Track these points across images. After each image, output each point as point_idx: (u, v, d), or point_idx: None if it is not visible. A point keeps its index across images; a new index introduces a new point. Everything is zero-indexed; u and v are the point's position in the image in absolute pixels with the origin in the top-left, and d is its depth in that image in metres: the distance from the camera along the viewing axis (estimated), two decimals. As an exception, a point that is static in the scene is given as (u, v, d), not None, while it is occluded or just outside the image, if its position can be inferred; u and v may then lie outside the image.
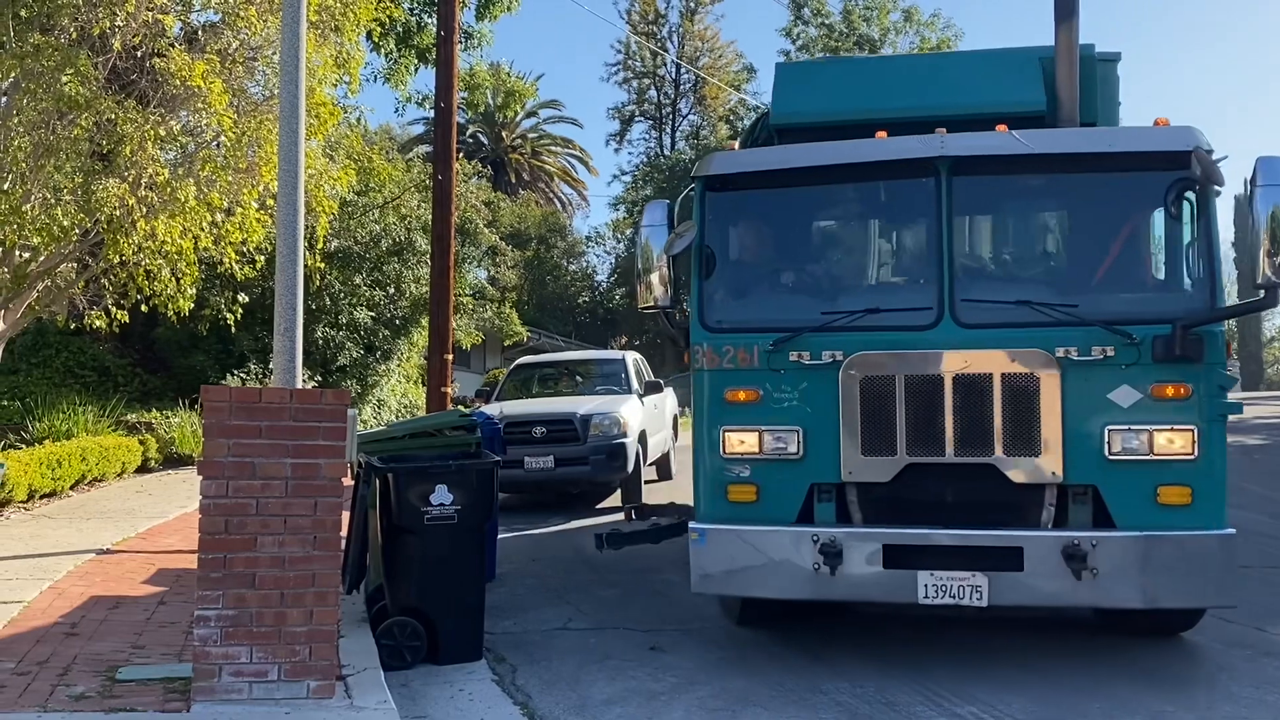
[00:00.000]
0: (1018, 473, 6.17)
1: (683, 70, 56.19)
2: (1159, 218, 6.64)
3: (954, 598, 6.07)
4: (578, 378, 16.96)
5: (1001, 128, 6.52)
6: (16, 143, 12.31)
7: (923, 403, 6.26)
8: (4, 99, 12.80)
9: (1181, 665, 6.76)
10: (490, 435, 8.99)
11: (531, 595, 8.98)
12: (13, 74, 12.47)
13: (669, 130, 58.66)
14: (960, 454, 6.22)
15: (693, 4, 57.03)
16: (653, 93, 59.13)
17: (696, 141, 53.39)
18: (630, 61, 58.38)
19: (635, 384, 15.67)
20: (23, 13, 12.47)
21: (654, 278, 6.93)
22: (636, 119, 59.52)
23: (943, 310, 6.33)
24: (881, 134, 6.72)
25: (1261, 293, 6.00)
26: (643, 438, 14.34)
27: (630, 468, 13.67)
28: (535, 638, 7.66)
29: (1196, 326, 5.99)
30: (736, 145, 8.25)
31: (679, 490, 9.82)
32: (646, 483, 14.48)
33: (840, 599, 6.53)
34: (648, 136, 59.75)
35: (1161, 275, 6.80)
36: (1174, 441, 6.04)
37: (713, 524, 6.60)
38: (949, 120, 6.66)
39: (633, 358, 16.97)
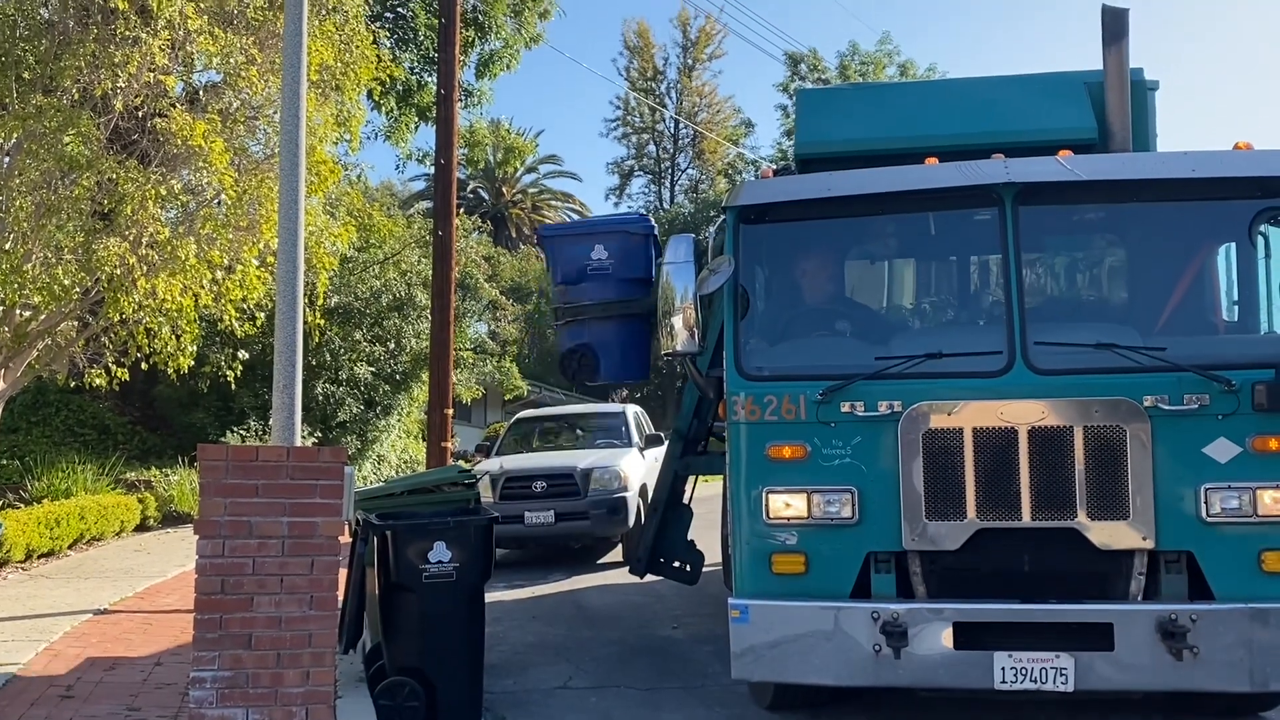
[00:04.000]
0: (1103, 538, 5.55)
1: (681, 125, 56.71)
2: (1252, 250, 6.09)
3: (1035, 681, 5.41)
4: (578, 431, 16.93)
5: (1064, 153, 6.00)
6: (19, 203, 12.38)
7: (995, 459, 5.63)
8: (7, 159, 12.89)
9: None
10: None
11: (532, 653, 8.89)
12: (15, 135, 12.58)
13: (668, 184, 59.09)
14: (1038, 517, 5.59)
15: (690, 61, 57.73)
16: (651, 147, 59.64)
17: (695, 195, 53.75)
18: (629, 117, 58.96)
19: (636, 437, 15.62)
20: (25, 74, 12.61)
21: (677, 321, 6.23)
22: (636, 173, 60.00)
23: (1014, 354, 5.72)
24: (931, 160, 6.15)
25: None
26: (644, 491, 14.24)
27: (631, 522, 13.56)
28: (535, 697, 7.58)
29: None
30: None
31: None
32: (648, 537, 14.36)
33: (905, 685, 5.68)
34: (647, 190, 60.17)
35: (1258, 314, 6.20)
36: None
37: (756, 599, 5.85)
38: (993, 149, 6.15)
39: (633, 411, 16.96)
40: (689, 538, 9.02)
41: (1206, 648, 5.32)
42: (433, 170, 18.58)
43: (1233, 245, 6.24)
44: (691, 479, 8.95)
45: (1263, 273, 6.07)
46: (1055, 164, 5.94)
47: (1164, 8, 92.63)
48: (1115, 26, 6.60)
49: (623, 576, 12.78)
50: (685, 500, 9.00)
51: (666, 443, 16.96)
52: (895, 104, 7.46)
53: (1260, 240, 6.00)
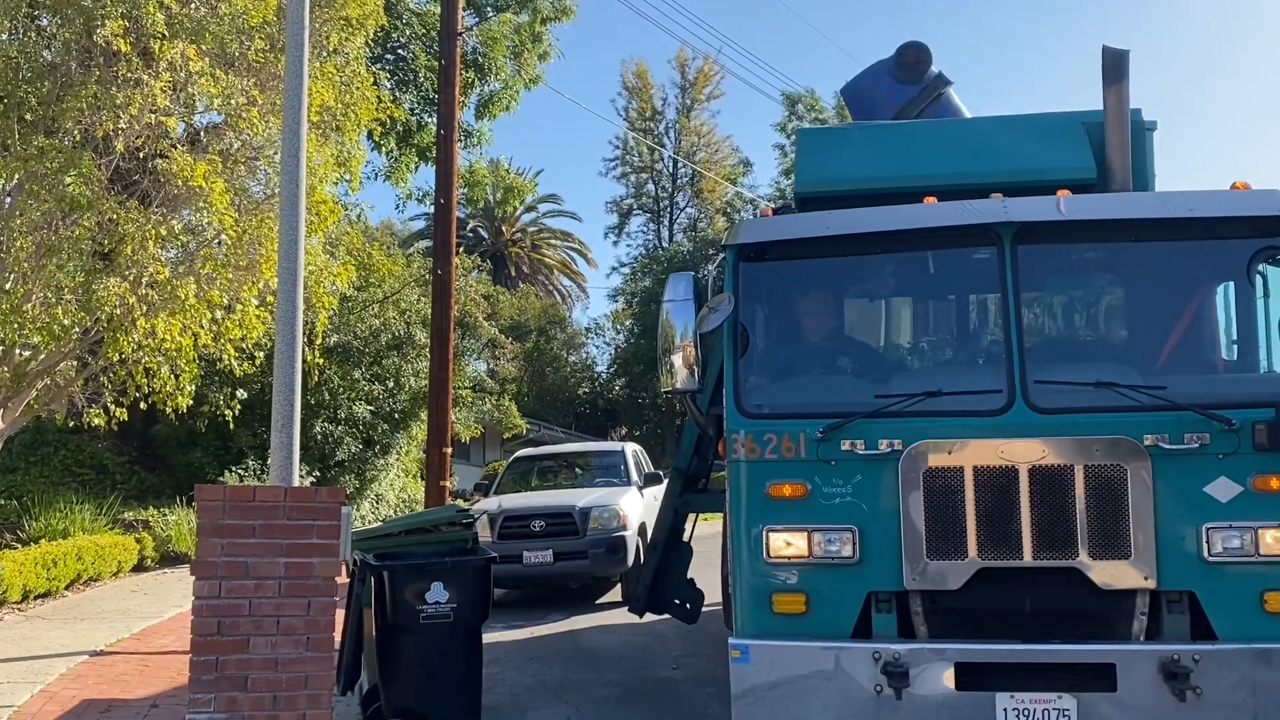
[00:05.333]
0: (1105, 577, 5.46)
1: (680, 164, 56.98)
2: (1251, 289, 6.01)
3: None
4: (577, 470, 16.88)
5: (1063, 193, 5.97)
6: (19, 243, 12.42)
7: (995, 498, 5.54)
8: (8, 200, 12.94)
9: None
10: None
11: (530, 694, 8.81)
12: (17, 175, 12.64)
13: (667, 223, 59.26)
14: (1039, 556, 5.49)
15: (689, 101, 58.09)
16: (650, 186, 59.86)
17: (694, 234, 53.86)
18: (628, 156, 59.21)
19: (635, 475, 15.55)
20: (28, 116, 12.68)
21: (677, 359, 6.13)
22: (634, 212, 60.14)
23: (1015, 393, 5.64)
24: (930, 199, 6.11)
25: None
26: (643, 530, 14.17)
27: (630, 561, 13.45)
28: (534, 739, 7.52)
29: None
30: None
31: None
32: (647, 576, 14.30)
33: None
34: (646, 229, 60.31)
35: (1258, 353, 6.13)
36: None
37: (757, 639, 5.75)
38: (992, 189, 6.11)
39: (632, 449, 16.91)
40: (689, 576, 8.96)
41: (1210, 689, 5.23)
42: (432, 210, 18.69)
43: (1231, 284, 6.20)
44: (691, 517, 8.90)
45: (1261, 311, 6.02)
46: (1054, 203, 5.91)
47: (1165, 50, 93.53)
48: (1116, 68, 6.60)
49: (622, 616, 12.71)
50: (685, 538, 8.94)
51: (666, 481, 17.05)
52: (894, 143, 7.38)
53: (1258, 279, 5.95)
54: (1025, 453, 5.56)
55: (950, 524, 5.60)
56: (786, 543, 5.79)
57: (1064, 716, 5.33)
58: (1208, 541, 5.44)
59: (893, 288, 7.08)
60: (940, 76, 8.25)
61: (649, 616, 11.59)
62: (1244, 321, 6.16)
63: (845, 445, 5.75)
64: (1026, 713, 5.36)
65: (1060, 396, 5.65)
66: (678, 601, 8.95)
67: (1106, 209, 6.01)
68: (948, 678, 5.44)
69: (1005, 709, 5.38)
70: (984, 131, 7.48)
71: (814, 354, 6.64)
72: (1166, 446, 5.48)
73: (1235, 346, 6.32)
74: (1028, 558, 5.54)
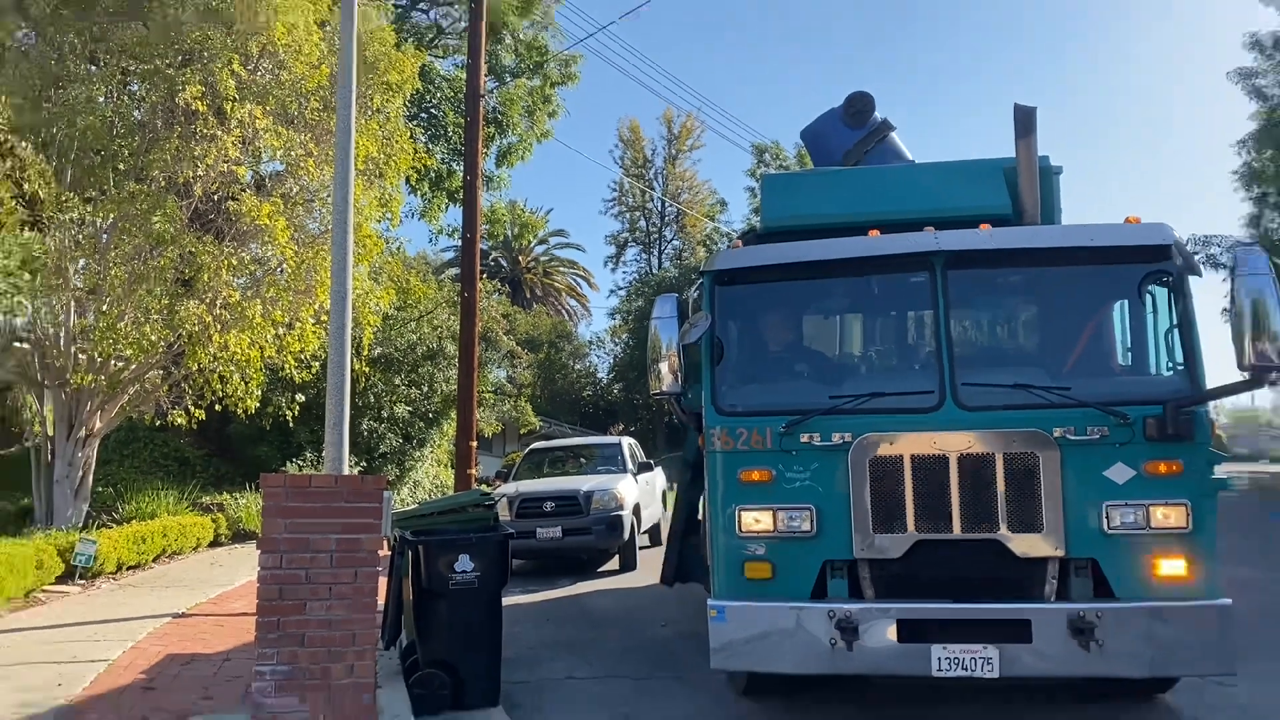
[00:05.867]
0: (1022, 547, 5.49)
1: (666, 204, 56.93)
2: (1142, 306, 6.05)
3: (966, 670, 5.35)
4: (582, 459, 16.81)
5: (985, 226, 6.01)
6: (114, 272, 12.43)
7: (929, 481, 5.58)
8: (105, 236, 12.94)
9: None
10: None
11: (543, 649, 8.78)
12: (112, 216, 12.66)
13: (656, 253, 59.10)
14: (967, 530, 5.52)
15: (674, 151, 58.05)
16: (642, 223, 59.70)
17: (680, 262, 53.70)
18: (623, 198, 59.09)
19: (630, 464, 15.51)
20: (121, 166, 12.70)
21: (664, 366, 6.14)
22: (629, 244, 59.93)
23: (945, 394, 5.68)
24: (874, 232, 6.13)
25: (1247, 374, 5.37)
26: (636, 510, 14.19)
27: (626, 536, 13.49)
28: (546, 686, 7.48)
29: (1186, 407, 5.44)
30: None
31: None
32: (641, 548, 14.27)
33: (856, 673, 5.61)
34: (639, 258, 60.04)
35: (1148, 359, 6.12)
36: (1169, 516, 5.42)
37: (730, 600, 5.77)
38: (926, 223, 6.13)
39: (628, 442, 16.87)
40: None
41: (1110, 640, 5.28)
42: (460, 243, 18.65)
43: (1126, 302, 6.22)
44: (703, 501, 8.78)
45: (1150, 324, 6.06)
46: (977, 235, 5.95)
47: (1072, 104, 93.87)
48: (1025, 123, 6.61)
49: (620, 582, 12.72)
50: (700, 517, 8.72)
51: (658, 468, 17.01)
52: (844, 186, 7.35)
53: (1148, 297, 5.97)
54: (954, 443, 5.59)
55: (892, 503, 5.63)
56: (755, 520, 5.81)
57: (988, 664, 5.36)
58: (1107, 517, 5.49)
59: (843, 306, 7.07)
60: (884, 122, 8.21)
61: (639, 582, 11.59)
62: (1136, 333, 6.18)
63: (804, 438, 5.78)
64: (957, 661, 5.39)
65: (983, 396, 5.68)
66: (700, 574, 8.82)
67: (1021, 239, 6.02)
68: (891, 632, 5.47)
69: (939, 658, 5.41)
70: (918, 175, 7.47)
71: (778, 361, 6.66)
72: (1072, 438, 5.52)
73: (1130, 354, 6.32)
74: (957, 531, 5.57)
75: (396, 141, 15.34)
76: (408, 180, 20.46)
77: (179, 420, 14.55)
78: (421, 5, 28.29)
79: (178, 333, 12.65)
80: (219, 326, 12.76)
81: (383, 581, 6.77)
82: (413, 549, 6.93)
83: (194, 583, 12.13)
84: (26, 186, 12.28)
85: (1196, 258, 5.77)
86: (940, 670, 5.39)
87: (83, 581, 11.55)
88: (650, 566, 12.09)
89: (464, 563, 6.79)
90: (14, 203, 11.90)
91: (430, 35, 27.48)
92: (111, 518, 15.26)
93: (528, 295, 56.23)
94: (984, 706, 6.38)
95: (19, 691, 6.76)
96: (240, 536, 16.89)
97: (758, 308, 6.53)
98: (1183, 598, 5.36)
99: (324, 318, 13.03)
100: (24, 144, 12.44)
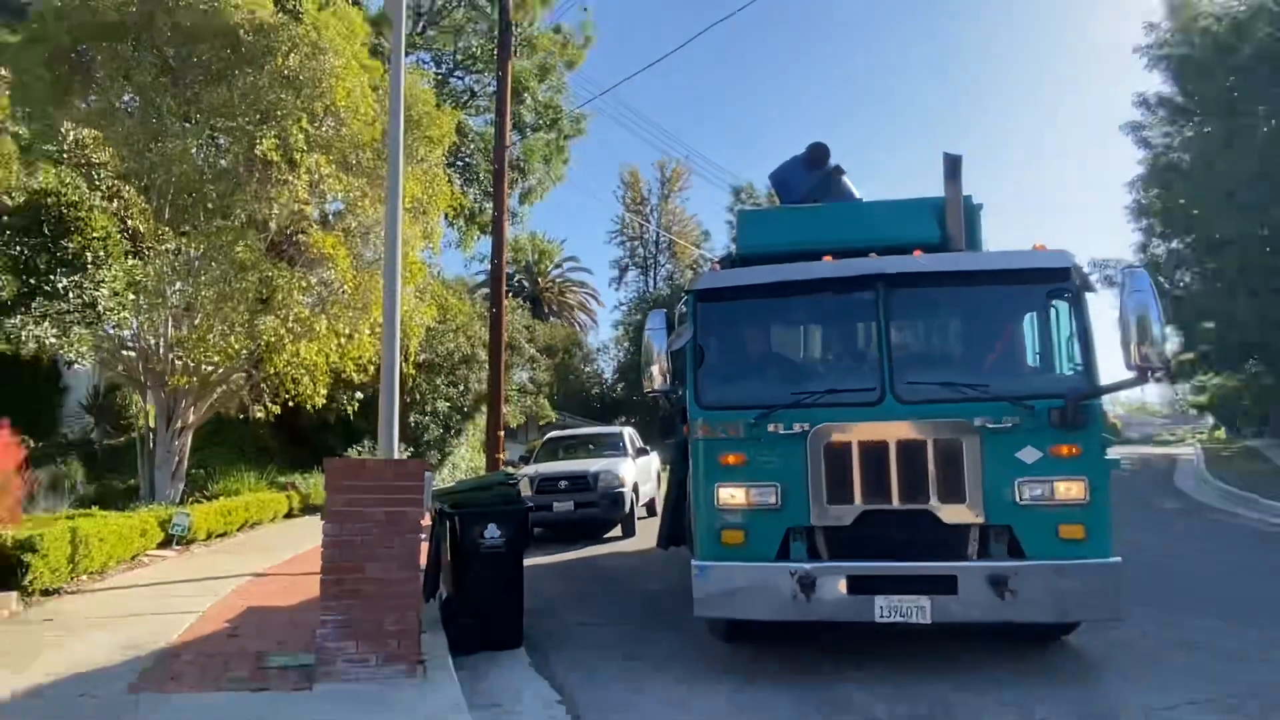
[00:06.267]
0: (949, 516, 5.53)
1: (660, 235, 56.95)
2: (1047, 317, 6.07)
3: (904, 616, 5.44)
4: (590, 446, 16.76)
5: (918, 252, 6.07)
6: (204, 293, 12.44)
7: (873, 462, 5.62)
8: (196, 263, 12.96)
9: (1057, 657, 6.23)
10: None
11: (559, 602, 8.78)
12: (202, 247, 12.67)
13: (652, 275, 59.09)
14: (904, 502, 5.58)
15: (666, 191, 58.15)
16: (640, 250, 59.66)
17: (671, 282, 53.67)
18: (625, 229, 59.14)
19: (630, 449, 15.48)
20: (209, 205, 12.73)
21: (655, 369, 6.21)
22: (630, 268, 59.94)
23: (885, 390, 5.73)
24: (828, 258, 6.19)
25: (1134, 373, 5.43)
26: (636, 488, 14.19)
27: (627, 509, 13.49)
28: (561, 631, 7.49)
29: (1083, 400, 5.51)
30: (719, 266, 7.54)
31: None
32: (639, 519, 14.27)
33: (814, 619, 5.63)
34: (638, 279, 60.09)
35: (1053, 361, 6.11)
36: (1070, 490, 5.47)
37: (710, 561, 5.81)
38: (871, 250, 6.16)
39: (628, 431, 16.85)
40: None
41: (1022, 591, 5.34)
42: (489, 268, 18.68)
43: (1034, 314, 6.23)
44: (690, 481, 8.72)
45: (1055, 332, 6.09)
46: (912, 260, 6.00)
47: (996, 148, 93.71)
48: (952, 168, 6.65)
49: (623, 547, 12.71)
50: (687, 493, 8.69)
51: (653, 453, 16.98)
52: (805, 220, 7.37)
53: (1052, 310, 6.00)
54: (893, 431, 5.65)
55: (843, 480, 5.67)
56: (731, 495, 5.84)
57: (921, 611, 5.43)
58: (1019, 491, 5.52)
59: (804, 318, 7.06)
60: (837, 167, 8.22)
61: (638, 546, 11.56)
62: (1043, 339, 6.19)
63: (771, 427, 5.80)
64: (896, 609, 5.46)
65: (917, 392, 5.72)
66: (687, 539, 8.80)
67: (948, 264, 6.06)
68: (842, 586, 5.53)
69: (881, 607, 5.48)
70: (864, 210, 7.53)
71: (750, 364, 6.69)
72: (991, 426, 5.55)
73: (1038, 356, 6.31)
74: (896, 503, 5.61)
75: (437, 185, 15.39)
76: (446, 216, 20.48)
77: (258, 414, 14.58)
78: (458, 73, 28.31)
79: (257, 343, 12.68)
80: (291, 338, 12.79)
81: (424, 546, 6.80)
82: (450, 519, 6.96)
83: (271, 548, 12.13)
84: (130, 222, 12.30)
85: (1093, 277, 5.78)
86: (882, 617, 5.46)
87: (179, 547, 11.55)
88: (647, 534, 12.12)
89: (492, 530, 6.81)
90: (120, 236, 11.91)
91: (465, 98, 27.50)
92: (203, 494, 15.26)
93: (546, 310, 56.08)
94: (918, 645, 6.40)
95: (126, 635, 6.79)
96: (309, 510, 16.88)
97: (734, 320, 6.54)
98: (1081, 556, 5.40)
99: (378, 330, 13.02)
100: (129, 188, 12.47)
